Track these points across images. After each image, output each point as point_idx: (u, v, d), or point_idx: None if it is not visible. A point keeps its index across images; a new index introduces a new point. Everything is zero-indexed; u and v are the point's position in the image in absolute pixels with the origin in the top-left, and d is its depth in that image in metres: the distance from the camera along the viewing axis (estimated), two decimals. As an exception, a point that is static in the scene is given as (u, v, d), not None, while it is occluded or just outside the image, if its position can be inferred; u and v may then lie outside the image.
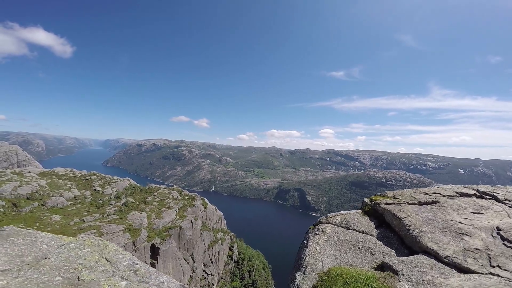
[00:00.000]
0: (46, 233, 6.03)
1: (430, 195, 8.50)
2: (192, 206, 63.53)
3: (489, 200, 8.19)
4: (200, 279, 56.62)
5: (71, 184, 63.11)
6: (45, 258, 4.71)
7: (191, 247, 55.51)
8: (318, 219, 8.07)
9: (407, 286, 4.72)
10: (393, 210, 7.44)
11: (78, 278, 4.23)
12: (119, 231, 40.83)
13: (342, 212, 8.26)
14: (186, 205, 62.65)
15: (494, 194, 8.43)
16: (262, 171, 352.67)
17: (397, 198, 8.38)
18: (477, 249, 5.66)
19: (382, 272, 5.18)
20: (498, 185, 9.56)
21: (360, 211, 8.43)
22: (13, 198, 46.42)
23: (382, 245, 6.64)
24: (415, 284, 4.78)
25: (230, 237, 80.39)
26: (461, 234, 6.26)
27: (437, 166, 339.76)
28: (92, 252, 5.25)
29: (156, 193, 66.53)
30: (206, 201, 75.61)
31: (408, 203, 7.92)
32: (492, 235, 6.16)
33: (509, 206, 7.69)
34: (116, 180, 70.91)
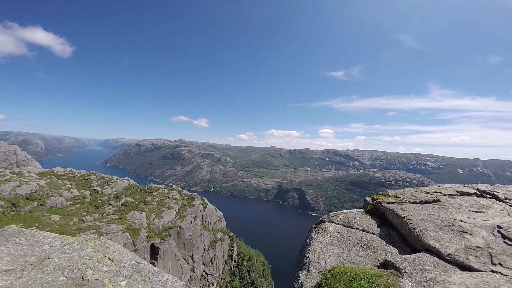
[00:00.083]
0: (48, 232, 6.00)
1: (431, 194, 8.55)
2: (191, 206, 63.50)
3: (490, 199, 8.24)
4: (200, 279, 56.61)
5: (70, 184, 62.94)
6: (49, 258, 4.68)
7: (190, 247, 55.48)
8: (321, 218, 8.10)
9: (410, 283, 4.76)
10: (395, 209, 7.48)
11: (83, 278, 4.21)
12: (119, 231, 40.78)
13: (344, 211, 8.30)
14: (185, 205, 62.61)
15: (494, 193, 8.48)
16: (262, 171, 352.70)
17: (398, 197, 8.42)
18: (478, 247, 5.71)
19: (385, 270, 5.22)
20: (498, 184, 9.62)
21: (362, 210, 8.47)
22: (12, 198, 46.27)
23: (385, 243, 6.69)
24: (418, 282, 4.82)
25: (230, 237, 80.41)
26: (462, 232, 6.31)
27: (436, 166, 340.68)
28: (95, 251, 5.24)
29: (155, 193, 66.44)
30: (206, 201, 75.58)
31: (410, 202, 7.96)
32: (493, 234, 6.21)
33: (509, 205, 7.74)
34: (115, 180, 70.78)
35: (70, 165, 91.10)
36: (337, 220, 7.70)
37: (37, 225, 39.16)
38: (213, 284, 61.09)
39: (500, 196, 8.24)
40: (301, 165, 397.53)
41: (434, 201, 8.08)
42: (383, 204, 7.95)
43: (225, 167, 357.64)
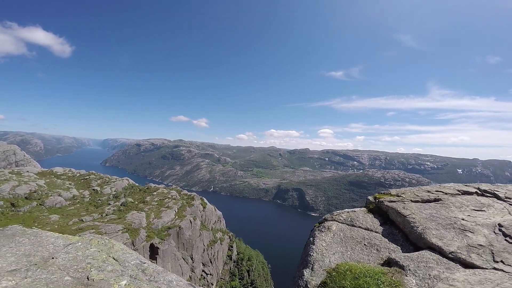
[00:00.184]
0: (51, 232, 5.97)
1: (432, 193, 8.60)
2: (191, 206, 63.43)
3: (490, 198, 8.30)
4: (199, 279, 56.58)
5: (69, 184, 62.76)
6: (53, 258, 4.67)
7: (190, 247, 55.44)
8: (323, 217, 8.14)
9: (414, 280, 4.80)
10: (397, 207, 7.53)
11: (88, 278, 4.20)
12: (118, 231, 40.71)
13: (347, 209, 8.35)
14: (185, 205, 62.54)
15: (495, 192, 8.54)
16: (261, 171, 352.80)
17: (400, 196, 8.48)
18: (480, 245, 5.76)
19: (389, 268, 5.27)
20: (498, 184, 9.69)
21: (365, 208, 8.52)
22: (11, 197, 46.09)
23: (388, 241, 6.74)
24: (422, 279, 4.87)
25: (229, 237, 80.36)
26: (464, 230, 6.36)
27: (435, 166, 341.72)
28: (99, 251, 5.23)
29: (155, 193, 66.31)
30: (205, 201, 75.51)
31: (412, 201, 8.02)
32: (494, 232, 6.27)
33: (510, 204, 7.80)
34: (114, 180, 70.62)
35: (69, 165, 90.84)
36: (340, 219, 7.75)
37: (36, 225, 39.01)
38: (212, 284, 61.09)
39: (500, 195, 8.30)
40: (301, 165, 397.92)
41: (436, 200, 8.13)
42: (386, 203, 8.00)
43: (225, 167, 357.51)
